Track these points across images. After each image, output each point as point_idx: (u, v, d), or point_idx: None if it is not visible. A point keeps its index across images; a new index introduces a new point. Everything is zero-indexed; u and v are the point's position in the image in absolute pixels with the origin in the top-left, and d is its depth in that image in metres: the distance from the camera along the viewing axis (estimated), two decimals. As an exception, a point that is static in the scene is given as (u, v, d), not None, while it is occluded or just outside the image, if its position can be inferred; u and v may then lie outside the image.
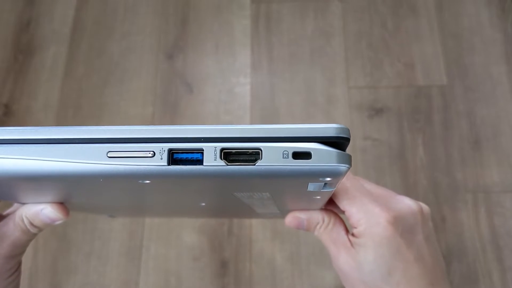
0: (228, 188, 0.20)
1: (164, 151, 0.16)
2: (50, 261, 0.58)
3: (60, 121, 0.65)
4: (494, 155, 0.60)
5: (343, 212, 0.25)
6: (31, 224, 0.23)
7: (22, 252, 0.25)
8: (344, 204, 0.24)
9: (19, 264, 0.25)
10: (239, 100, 0.65)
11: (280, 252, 0.56)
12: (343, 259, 0.25)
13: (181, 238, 0.58)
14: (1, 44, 0.71)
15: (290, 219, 0.27)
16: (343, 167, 0.15)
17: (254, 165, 0.15)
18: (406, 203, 0.25)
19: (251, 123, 0.63)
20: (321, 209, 0.26)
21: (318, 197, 0.22)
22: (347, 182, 0.24)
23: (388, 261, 0.23)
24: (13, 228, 0.23)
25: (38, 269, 0.57)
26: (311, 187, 0.18)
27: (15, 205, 0.24)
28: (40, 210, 0.22)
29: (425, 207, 0.26)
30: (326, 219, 0.26)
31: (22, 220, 0.23)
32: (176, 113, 0.65)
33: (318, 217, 0.26)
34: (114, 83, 0.67)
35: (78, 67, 0.69)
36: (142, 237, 0.58)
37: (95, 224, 0.59)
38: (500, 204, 0.57)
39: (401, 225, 0.24)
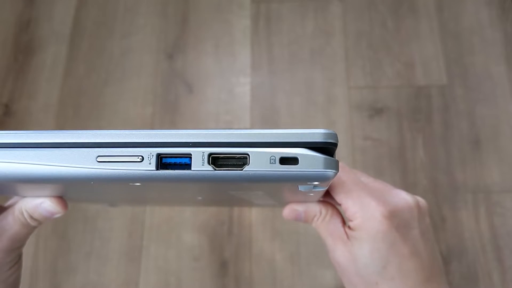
0: (220, 188, 0.20)
1: (152, 155, 0.16)
2: (50, 261, 0.58)
3: (60, 121, 0.65)
4: (494, 155, 0.60)
5: (340, 204, 0.25)
6: (31, 217, 0.23)
7: (22, 245, 0.25)
8: (340, 197, 0.24)
9: (19, 257, 0.25)
10: (239, 100, 0.65)
11: (280, 252, 0.56)
12: (340, 251, 0.25)
13: (181, 238, 0.58)
14: (1, 44, 0.71)
15: (288, 211, 0.27)
16: (330, 172, 0.16)
17: (242, 170, 0.16)
18: (403, 197, 0.25)
19: (251, 123, 0.63)
20: (319, 201, 0.26)
21: (311, 194, 0.22)
22: (344, 175, 0.24)
23: (383, 255, 0.23)
24: (13, 222, 0.23)
25: (39, 269, 0.57)
26: (302, 188, 0.18)
27: (15, 197, 0.25)
28: (39, 203, 0.23)
29: (422, 201, 0.26)
30: (324, 211, 0.26)
31: (22, 214, 0.23)
32: (176, 113, 0.65)
33: (315, 209, 0.26)
34: (114, 83, 0.67)
35: (78, 67, 0.69)
36: (142, 237, 0.58)
37: (95, 224, 0.59)
38: (500, 204, 0.57)
39: (397, 219, 0.24)
